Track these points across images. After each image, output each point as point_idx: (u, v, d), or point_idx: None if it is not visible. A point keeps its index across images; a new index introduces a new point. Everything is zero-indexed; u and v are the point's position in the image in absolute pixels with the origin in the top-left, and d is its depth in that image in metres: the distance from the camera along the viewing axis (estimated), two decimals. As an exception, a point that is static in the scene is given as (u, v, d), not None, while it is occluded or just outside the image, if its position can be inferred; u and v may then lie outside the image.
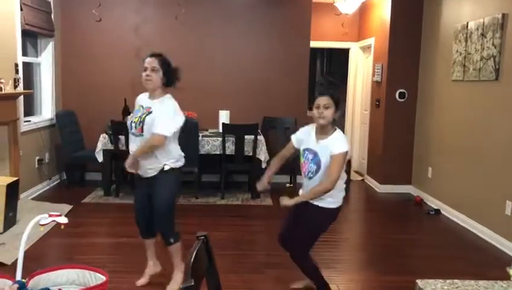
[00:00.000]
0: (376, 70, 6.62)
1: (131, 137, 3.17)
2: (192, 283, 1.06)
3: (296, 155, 3.13)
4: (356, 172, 7.53)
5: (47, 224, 2.61)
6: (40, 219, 2.61)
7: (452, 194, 5.29)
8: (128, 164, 3.09)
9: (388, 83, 6.27)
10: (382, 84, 6.43)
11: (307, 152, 2.94)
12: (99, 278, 2.51)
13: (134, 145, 3.11)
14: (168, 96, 3.17)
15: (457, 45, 5.13)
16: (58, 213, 2.67)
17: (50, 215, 2.63)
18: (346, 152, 2.83)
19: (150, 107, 3.09)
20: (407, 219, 5.39)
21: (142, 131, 3.05)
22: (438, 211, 5.44)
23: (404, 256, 4.12)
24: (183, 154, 3.26)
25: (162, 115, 3.03)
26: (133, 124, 3.09)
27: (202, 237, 1.38)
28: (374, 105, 6.76)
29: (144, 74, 3.07)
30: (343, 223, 5.27)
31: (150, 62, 3.07)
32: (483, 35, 4.61)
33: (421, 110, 6.16)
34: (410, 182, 6.40)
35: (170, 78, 3.14)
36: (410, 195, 6.25)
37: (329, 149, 2.82)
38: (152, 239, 3.35)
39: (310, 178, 2.92)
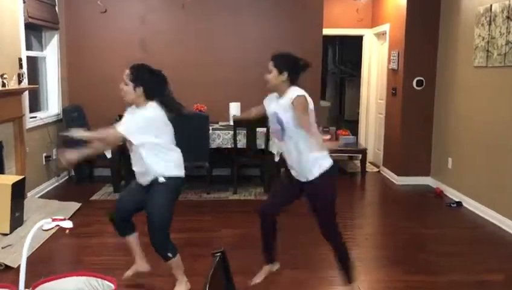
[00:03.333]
0: (392, 57, 6.37)
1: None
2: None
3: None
4: (371, 163, 7.30)
5: (51, 229, 2.46)
6: (43, 223, 2.44)
7: (475, 186, 5.05)
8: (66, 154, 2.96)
9: (405, 70, 6.01)
10: (399, 72, 6.18)
11: (271, 116, 2.96)
12: (107, 286, 2.34)
13: (132, 154, 3.02)
14: (152, 104, 2.93)
15: (480, 29, 4.86)
16: (63, 217, 2.50)
17: (54, 220, 2.45)
18: (304, 96, 2.78)
19: None
20: (428, 212, 5.17)
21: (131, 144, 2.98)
22: (459, 204, 5.21)
23: (429, 253, 3.90)
24: (180, 162, 3.09)
25: (132, 119, 2.94)
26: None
27: (219, 254, 1.20)
28: (390, 94, 6.51)
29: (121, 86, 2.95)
30: (362, 217, 5.08)
31: (125, 75, 2.95)
32: (508, 18, 4.34)
33: (440, 99, 5.90)
34: (428, 173, 6.16)
35: (151, 90, 2.91)
36: (429, 187, 6.02)
37: (287, 103, 2.80)
38: (133, 234, 3.16)
39: (283, 140, 2.90)
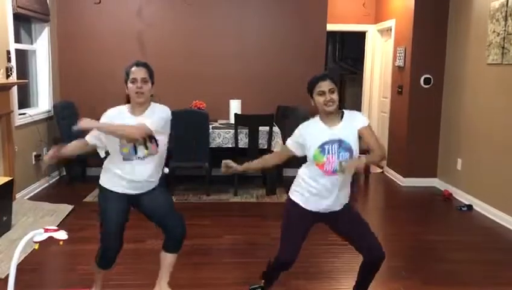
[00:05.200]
0: (398, 54, 6.14)
1: (133, 162, 2.61)
2: None
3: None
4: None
5: (42, 241, 2.20)
6: (34, 235, 2.19)
7: (486, 188, 4.85)
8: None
9: (412, 68, 5.79)
10: (405, 70, 5.96)
11: (327, 146, 2.48)
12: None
13: (141, 169, 2.62)
14: (158, 105, 2.69)
15: (494, 25, 4.65)
16: (55, 227, 2.25)
17: (46, 231, 2.21)
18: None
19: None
20: (437, 216, 4.96)
21: (157, 146, 2.62)
22: (470, 207, 5.00)
23: (443, 261, 3.68)
24: None
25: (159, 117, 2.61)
26: (138, 148, 2.58)
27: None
28: (396, 92, 6.29)
29: (133, 86, 2.55)
30: (369, 222, 4.84)
31: (140, 73, 2.58)
32: (527, 13, 4.13)
33: (449, 97, 5.69)
34: (435, 174, 5.95)
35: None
36: (436, 189, 5.82)
37: (352, 129, 2.50)
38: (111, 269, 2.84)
39: (334, 174, 2.51)
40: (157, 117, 2.59)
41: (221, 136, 5.29)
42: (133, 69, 2.59)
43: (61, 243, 2.23)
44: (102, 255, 2.71)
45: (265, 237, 4.10)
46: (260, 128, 5.21)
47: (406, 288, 3.20)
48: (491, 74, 4.77)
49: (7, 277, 3.09)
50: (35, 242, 2.18)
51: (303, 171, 2.62)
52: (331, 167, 2.48)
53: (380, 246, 2.61)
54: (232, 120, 5.38)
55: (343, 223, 2.64)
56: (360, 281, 2.76)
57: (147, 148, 2.58)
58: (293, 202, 2.62)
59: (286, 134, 5.66)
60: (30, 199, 5.02)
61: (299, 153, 2.61)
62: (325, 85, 2.47)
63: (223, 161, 2.66)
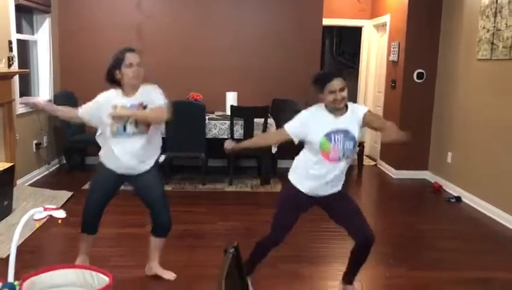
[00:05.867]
0: (392, 49, 6.25)
1: (123, 140, 2.82)
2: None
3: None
4: (368, 157, 7.22)
5: (42, 219, 2.32)
6: (34, 213, 2.30)
7: (475, 181, 4.98)
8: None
9: (405, 62, 5.91)
10: (399, 64, 6.07)
11: (334, 135, 2.59)
12: (101, 279, 2.21)
13: (129, 146, 2.81)
14: (147, 85, 2.89)
15: (484, 21, 4.76)
16: (55, 206, 2.37)
17: (45, 209, 2.32)
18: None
19: (141, 102, 2.81)
20: (427, 207, 5.09)
21: (148, 128, 2.82)
22: (459, 199, 5.14)
23: (430, 249, 3.82)
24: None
25: (158, 97, 2.83)
26: (129, 126, 2.78)
27: (232, 251, 1.08)
28: (389, 86, 6.41)
29: (130, 70, 2.76)
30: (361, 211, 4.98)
31: (135, 58, 2.80)
32: (515, 9, 4.25)
33: (441, 92, 5.81)
34: (427, 167, 6.09)
35: None
36: (427, 181, 5.95)
37: (355, 119, 2.63)
38: (95, 235, 3.08)
39: (347, 157, 2.64)
40: (155, 96, 2.81)
41: (217, 127, 5.42)
42: (128, 54, 2.79)
43: (59, 221, 2.34)
44: (83, 219, 3.00)
45: (259, 223, 4.20)
46: (255, 120, 5.33)
47: (392, 274, 3.33)
48: (481, 70, 4.89)
49: (8, 257, 3.24)
50: (36, 220, 2.29)
51: (304, 157, 2.72)
52: (336, 155, 2.60)
53: (370, 230, 2.73)
54: (228, 112, 5.50)
55: (337, 207, 2.76)
56: (351, 266, 2.88)
57: (136, 126, 2.78)
58: (292, 185, 2.74)
59: (280, 126, 5.79)
60: (30, 185, 5.15)
61: (296, 139, 2.68)
62: (337, 84, 2.54)
63: (226, 142, 2.80)
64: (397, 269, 3.40)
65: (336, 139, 2.59)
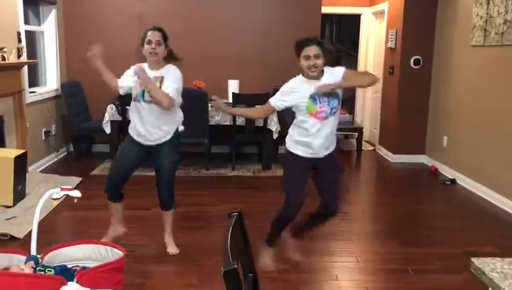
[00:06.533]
0: (390, 36, 6.39)
1: (141, 105, 3.10)
2: (235, 266, 0.96)
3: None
4: (367, 142, 7.39)
5: (60, 198, 2.52)
6: (52, 193, 2.51)
7: (469, 164, 5.16)
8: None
9: (403, 49, 6.05)
10: (396, 51, 6.22)
11: (317, 96, 2.80)
12: (115, 253, 2.42)
13: (147, 112, 3.08)
14: (172, 65, 3.18)
15: (478, 8, 4.90)
16: (71, 187, 2.57)
17: (62, 189, 2.52)
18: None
19: (162, 76, 3.07)
20: (422, 189, 5.29)
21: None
22: (453, 181, 5.32)
23: (422, 227, 4.03)
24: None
25: (174, 80, 3.07)
26: (147, 93, 3.03)
27: (235, 214, 1.26)
28: (388, 73, 6.56)
29: (148, 46, 3.04)
30: (358, 194, 5.18)
31: (155, 36, 3.06)
32: (507, -3, 4.38)
33: (437, 77, 5.97)
34: (424, 151, 6.27)
35: (171, 52, 3.20)
36: (424, 165, 6.13)
37: (335, 79, 2.79)
38: (121, 202, 3.37)
39: (334, 114, 2.85)
40: (171, 78, 3.06)
41: (219, 114, 5.59)
42: (149, 32, 3.05)
43: (75, 200, 2.55)
44: (107, 182, 3.28)
45: (261, 205, 4.44)
46: (257, 106, 5.49)
47: (384, 249, 3.53)
48: (475, 55, 5.04)
49: (26, 237, 3.47)
50: (54, 199, 2.50)
51: (296, 122, 2.94)
52: (323, 114, 2.82)
53: (336, 206, 3.00)
54: (230, 99, 5.67)
55: (321, 172, 3.00)
56: (304, 224, 3.12)
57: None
58: (291, 152, 2.98)
59: (281, 113, 5.97)
60: (41, 172, 5.35)
61: (278, 109, 2.96)
62: (311, 50, 2.72)
63: (215, 99, 3.14)
64: (387, 245, 3.60)
65: (320, 100, 2.80)
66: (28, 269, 2.18)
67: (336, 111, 2.87)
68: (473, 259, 1.22)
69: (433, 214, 4.39)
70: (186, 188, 4.92)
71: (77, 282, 2.09)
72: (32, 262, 2.21)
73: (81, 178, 5.05)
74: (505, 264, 1.15)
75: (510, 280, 1.07)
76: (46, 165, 5.70)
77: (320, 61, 2.75)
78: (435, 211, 4.49)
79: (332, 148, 2.98)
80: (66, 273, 2.19)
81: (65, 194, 2.52)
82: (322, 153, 2.94)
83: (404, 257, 3.40)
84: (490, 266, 1.14)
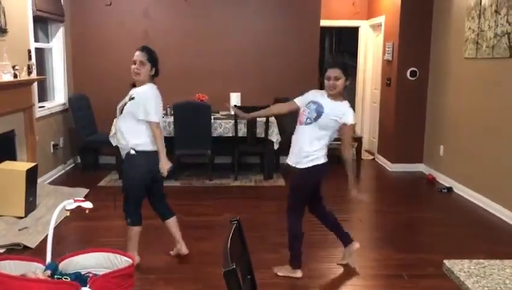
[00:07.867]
0: (387, 48, 6.58)
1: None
2: (234, 266, 1.11)
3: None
4: (367, 151, 7.55)
5: (73, 209, 2.69)
6: (65, 204, 2.68)
7: (465, 172, 5.31)
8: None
9: (399, 61, 6.24)
10: (393, 63, 6.40)
11: (312, 103, 3.15)
12: (125, 261, 2.58)
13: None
14: (152, 85, 3.27)
15: (470, 22, 5.08)
16: (83, 199, 2.74)
17: (75, 201, 2.70)
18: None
19: (131, 94, 3.25)
20: (420, 197, 5.44)
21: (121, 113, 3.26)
22: (450, 189, 5.47)
23: (418, 234, 4.17)
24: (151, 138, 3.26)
25: (138, 100, 3.18)
26: (118, 110, 3.31)
27: (235, 222, 1.43)
28: (385, 84, 6.74)
29: (133, 66, 3.20)
30: (356, 202, 5.30)
31: (139, 56, 3.19)
32: (497, 12, 4.57)
33: (433, 89, 6.14)
34: (421, 160, 6.42)
35: (157, 71, 3.27)
36: (422, 173, 6.29)
37: (340, 113, 3.09)
38: (170, 219, 3.51)
39: (308, 124, 3.11)
40: (138, 99, 3.17)
41: (222, 126, 5.78)
42: (136, 52, 3.20)
43: (87, 211, 2.72)
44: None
45: (263, 214, 4.60)
46: (258, 118, 5.68)
47: (382, 255, 3.68)
48: (468, 68, 5.22)
49: (38, 246, 3.63)
50: (67, 210, 2.67)
51: None
52: (302, 118, 3.15)
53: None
54: (232, 111, 5.84)
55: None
56: (336, 231, 3.53)
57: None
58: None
59: (282, 123, 6.15)
60: (49, 184, 5.53)
61: (301, 106, 3.23)
62: (332, 72, 3.10)
63: (235, 109, 3.54)
64: (385, 251, 3.75)
65: (310, 106, 3.14)
66: (43, 276, 2.35)
67: (311, 123, 3.11)
68: (444, 261, 1.38)
69: (430, 222, 4.54)
70: (190, 198, 5.10)
71: (90, 288, 2.26)
72: (49, 271, 2.37)
73: (88, 189, 5.23)
74: (472, 265, 1.31)
75: (474, 278, 1.22)
76: (54, 177, 5.88)
77: (339, 82, 3.09)
78: (432, 219, 4.63)
79: (299, 166, 3.17)
80: (80, 279, 2.35)
81: (78, 205, 2.70)
82: (290, 160, 3.23)
83: (399, 263, 3.55)
84: (459, 267, 1.29)
